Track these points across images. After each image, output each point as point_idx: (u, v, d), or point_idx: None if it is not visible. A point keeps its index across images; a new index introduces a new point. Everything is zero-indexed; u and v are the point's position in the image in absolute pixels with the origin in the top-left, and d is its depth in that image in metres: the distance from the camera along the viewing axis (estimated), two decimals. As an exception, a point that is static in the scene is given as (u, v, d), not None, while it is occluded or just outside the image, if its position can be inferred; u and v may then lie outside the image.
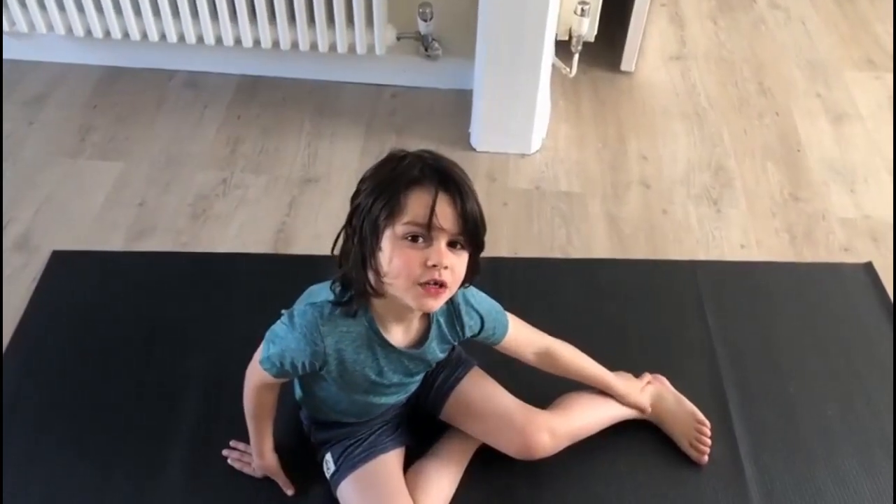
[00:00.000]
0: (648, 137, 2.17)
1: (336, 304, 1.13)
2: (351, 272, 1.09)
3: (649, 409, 1.46)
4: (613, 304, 1.71)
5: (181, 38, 2.17)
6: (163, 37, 2.17)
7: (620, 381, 1.46)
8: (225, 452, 1.42)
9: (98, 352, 1.59)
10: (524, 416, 1.34)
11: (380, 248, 1.05)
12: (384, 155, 1.10)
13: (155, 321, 1.65)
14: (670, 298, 1.74)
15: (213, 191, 1.96)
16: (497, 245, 1.84)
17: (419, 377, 1.31)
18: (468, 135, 2.11)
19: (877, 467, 1.45)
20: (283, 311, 1.18)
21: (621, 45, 2.34)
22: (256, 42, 2.16)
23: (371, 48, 2.14)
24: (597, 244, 1.86)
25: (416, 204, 1.02)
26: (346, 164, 2.05)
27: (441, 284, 1.05)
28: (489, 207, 1.91)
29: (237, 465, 1.40)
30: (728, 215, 1.94)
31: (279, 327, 1.16)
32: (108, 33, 2.18)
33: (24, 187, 1.95)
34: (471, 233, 1.06)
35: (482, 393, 1.38)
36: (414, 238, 1.03)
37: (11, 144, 2.07)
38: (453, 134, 2.13)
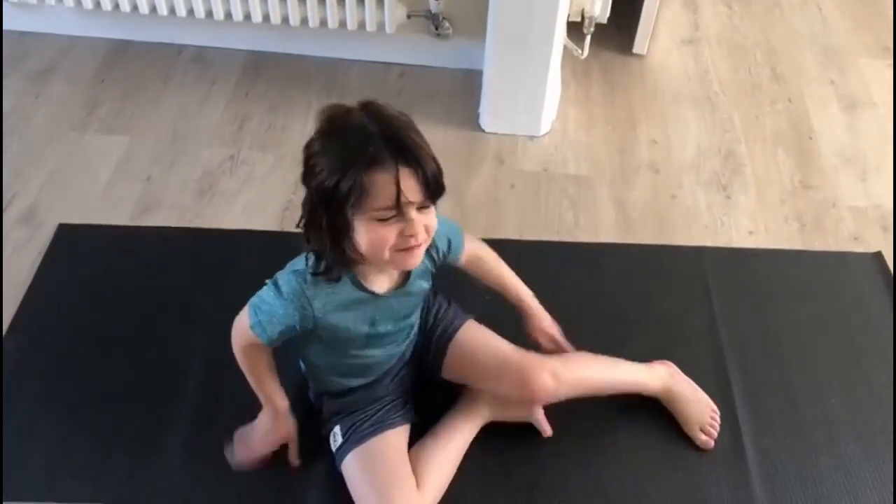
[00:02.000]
0: (659, 121, 2.15)
1: (315, 274, 1.14)
2: (324, 249, 1.11)
3: (655, 384, 1.46)
4: (619, 288, 1.71)
5: (190, 12, 2.16)
6: (172, 10, 2.16)
7: (535, 302, 1.45)
8: (227, 455, 1.38)
9: (101, 326, 1.59)
10: (526, 357, 1.36)
11: (352, 230, 1.07)
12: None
13: (159, 297, 1.65)
14: (676, 284, 1.73)
15: (219, 167, 1.95)
16: (503, 227, 1.83)
17: (412, 319, 1.32)
18: (477, 115, 2.10)
19: (879, 454, 1.44)
20: (266, 281, 1.19)
21: (634, 28, 2.31)
22: (266, 17, 2.14)
23: (381, 26, 2.12)
24: (604, 228, 1.85)
25: (380, 187, 1.03)
26: (353, 142, 2.03)
27: (418, 245, 1.09)
28: (496, 189, 1.92)
29: (240, 456, 1.36)
30: (737, 202, 1.93)
31: (266, 293, 1.17)
32: (117, 6, 2.17)
33: (31, 161, 1.94)
34: (435, 192, 1.07)
35: (482, 340, 1.40)
36: (385, 218, 1.05)
37: (18, 118, 2.06)
38: (461, 114, 2.12)
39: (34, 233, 1.77)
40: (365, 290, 1.18)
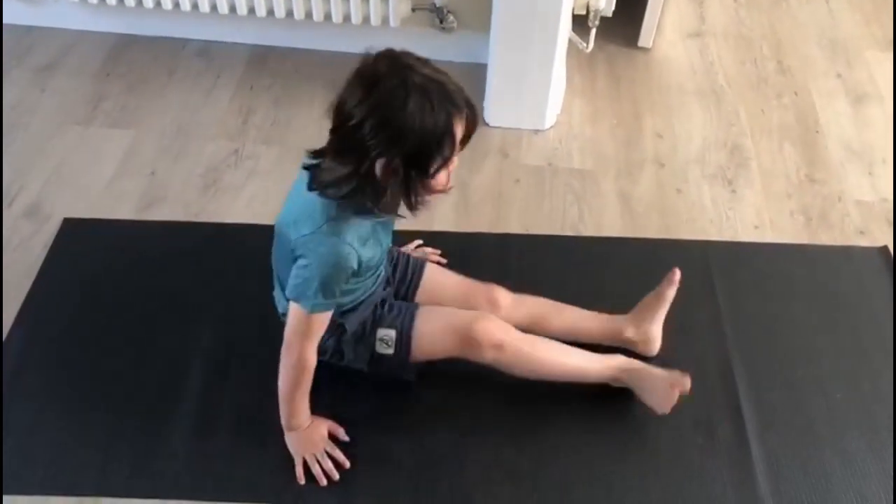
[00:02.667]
0: (664, 115, 2.14)
1: (347, 206, 1.20)
2: (382, 196, 1.18)
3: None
4: (623, 283, 1.70)
5: (195, 6, 2.15)
6: (176, 5, 2.16)
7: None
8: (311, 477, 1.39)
9: (106, 320, 1.60)
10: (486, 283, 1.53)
11: (429, 175, 1.16)
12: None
13: (163, 291, 1.65)
14: (681, 278, 1.72)
15: (223, 161, 1.95)
16: (507, 222, 1.83)
17: (389, 241, 1.41)
18: (481, 109, 2.09)
19: (884, 449, 1.44)
20: (300, 261, 1.23)
21: (639, 21, 2.30)
22: (270, 11, 2.14)
23: (385, 20, 2.11)
24: (609, 222, 1.85)
25: (458, 134, 1.15)
26: (357, 136, 2.03)
27: None
28: (501, 184, 1.92)
29: (320, 461, 1.38)
30: (743, 196, 1.92)
31: (305, 271, 1.22)
32: (122, 0, 2.17)
33: (36, 155, 1.95)
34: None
35: (445, 273, 1.56)
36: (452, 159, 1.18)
37: (23, 112, 2.06)
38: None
39: (39, 227, 1.77)
40: (379, 218, 1.26)
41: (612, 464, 1.41)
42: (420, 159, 1.14)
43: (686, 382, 1.39)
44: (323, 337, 1.33)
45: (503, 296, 1.51)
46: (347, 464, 1.38)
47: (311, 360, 1.31)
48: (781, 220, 1.87)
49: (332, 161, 1.18)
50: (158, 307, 1.62)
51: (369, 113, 1.10)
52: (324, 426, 1.41)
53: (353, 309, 1.39)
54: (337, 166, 1.17)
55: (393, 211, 1.24)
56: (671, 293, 1.51)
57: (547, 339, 1.46)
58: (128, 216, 1.81)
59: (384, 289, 1.46)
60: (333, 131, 1.17)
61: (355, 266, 1.23)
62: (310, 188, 1.23)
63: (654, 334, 1.52)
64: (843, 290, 1.71)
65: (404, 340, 1.40)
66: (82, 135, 2.00)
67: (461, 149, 1.19)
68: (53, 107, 2.08)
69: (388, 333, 1.40)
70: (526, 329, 1.46)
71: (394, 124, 1.10)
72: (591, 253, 1.77)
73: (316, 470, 1.37)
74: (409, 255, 1.56)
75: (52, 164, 1.92)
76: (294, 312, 1.26)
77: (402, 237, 1.63)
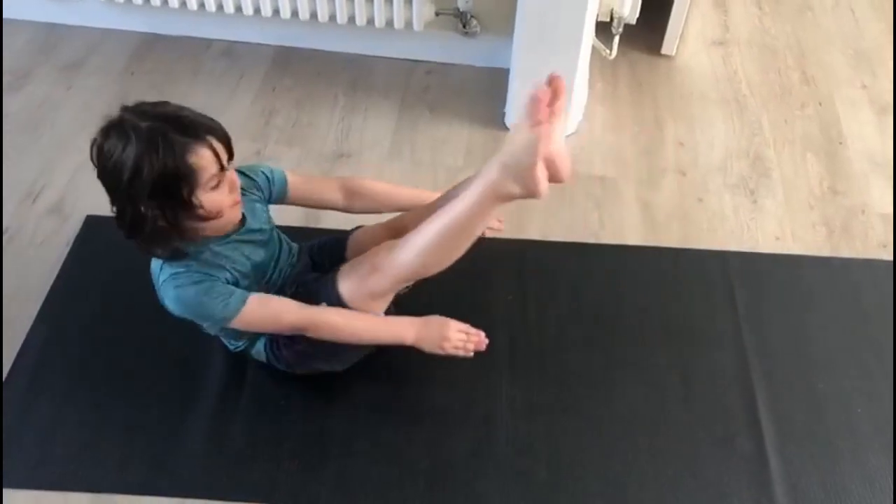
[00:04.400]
0: (686, 123, 2.13)
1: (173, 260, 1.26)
2: (166, 240, 1.22)
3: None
4: (642, 291, 1.70)
5: (219, 6, 2.17)
6: (202, 4, 2.18)
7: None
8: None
9: (126, 318, 1.61)
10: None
11: (195, 208, 1.18)
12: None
13: (184, 290, 1.66)
14: (701, 288, 1.71)
15: (246, 162, 1.95)
16: (527, 228, 1.83)
17: (270, 227, 1.43)
18: (503, 114, 2.09)
19: (905, 468, 1.43)
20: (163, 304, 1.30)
21: (663, 29, 2.29)
22: (294, 13, 2.15)
23: (409, 23, 2.12)
24: (629, 230, 1.84)
25: (203, 161, 1.17)
26: (378, 140, 2.04)
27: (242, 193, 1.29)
28: (521, 189, 1.91)
29: (464, 347, 1.38)
30: (764, 206, 1.91)
31: (195, 309, 1.27)
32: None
33: (60, 152, 1.96)
34: (231, 148, 1.23)
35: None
36: (216, 184, 1.20)
37: (48, 109, 2.08)
38: (487, 112, 2.11)
39: (62, 224, 1.79)
40: (217, 247, 1.29)
41: (627, 475, 1.40)
42: (167, 196, 1.16)
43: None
44: (252, 344, 1.42)
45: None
46: (482, 335, 1.38)
47: (317, 317, 1.31)
48: (803, 231, 1.85)
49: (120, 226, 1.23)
50: (178, 306, 1.63)
51: (102, 175, 1.18)
52: (435, 322, 1.38)
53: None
54: (126, 227, 1.21)
55: (203, 235, 1.26)
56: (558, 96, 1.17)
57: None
58: (150, 215, 1.82)
59: (303, 274, 1.46)
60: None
61: (224, 278, 1.27)
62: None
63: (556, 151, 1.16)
64: (865, 304, 1.70)
65: (338, 306, 1.34)
66: (106, 133, 2.02)
67: (226, 167, 1.21)
68: (78, 104, 2.10)
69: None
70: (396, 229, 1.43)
71: (121, 176, 1.15)
72: (610, 261, 1.77)
73: (461, 354, 1.37)
74: (335, 236, 1.55)
75: (77, 161, 1.94)
76: (248, 322, 1.29)
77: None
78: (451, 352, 1.37)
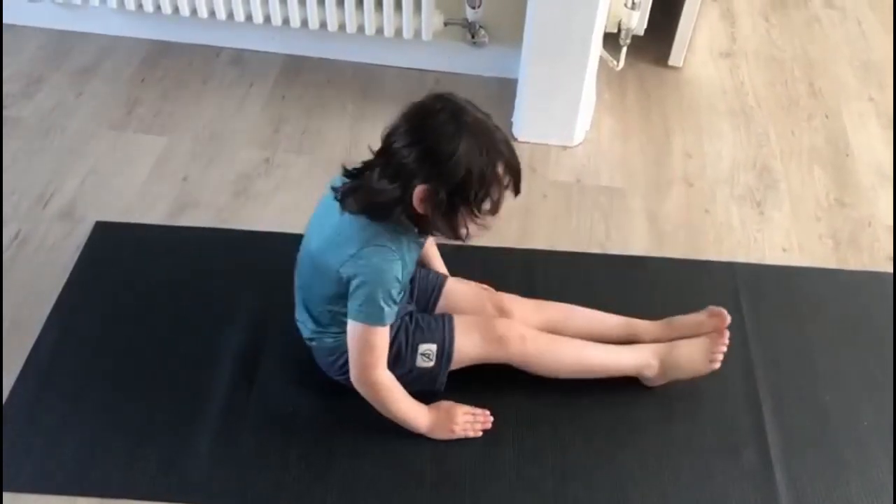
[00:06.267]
0: (693, 134, 2.14)
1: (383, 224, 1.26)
2: (418, 219, 1.25)
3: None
4: (648, 302, 1.69)
5: (230, 15, 2.18)
6: (212, 13, 2.19)
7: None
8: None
9: (135, 322, 1.62)
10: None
11: (462, 213, 1.23)
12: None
13: (193, 295, 1.67)
14: (707, 299, 1.69)
15: (255, 169, 1.98)
16: (533, 237, 1.84)
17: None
18: (510, 124, 2.10)
19: (912, 482, 1.42)
20: (355, 281, 1.27)
21: (670, 40, 2.31)
22: (304, 22, 2.16)
23: (418, 33, 2.13)
24: (635, 241, 1.85)
25: (503, 178, 1.23)
26: (387, 148, 2.05)
27: None
28: (528, 199, 1.92)
29: (472, 429, 1.45)
30: (771, 217, 1.91)
31: (365, 289, 1.26)
32: (158, 7, 2.20)
33: (71, 158, 1.98)
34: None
35: (460, 284, 1.58)
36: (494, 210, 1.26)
37: (59, 115, 2.10)
38: (495, 122, 2.11)
39: (72, 229, 1.80)
40: (411, 237, 1.31)
41: (633, 486, 1.40)
42: (465, 193, 1.20)
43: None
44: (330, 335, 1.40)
45: (508, 300, 1.55)
46: (489, 417, 1.46)
47: (386, 377, 1.35)
48: (810, 243, 1.86)
49: (376, 183, 1.22)
50: (187, 311, 1.64)
51: (418, 141, 1.19)
52: (444, 408, 1.44)
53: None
54: (379, 188, 1.21)
55: (428, 232, 1.31)
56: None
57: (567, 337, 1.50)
58: (159, 220, 1.83)
59: (409, 303, 1.49)
60: (380, 153, 1.24)
61: (401, 276, 1.28)
62: (344, 209, 1.27)
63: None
64: (872, 317, 1.70)
65: (446, 352, 1.42)
66: (117, 139, 2.03)
67: (514, 195, 1.26)
68: (89, 111, 2.12)
69: (429, 348, 1.42)
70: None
71: (440, 155, 1.18)
72: (616, 271, 1.77)
73: (470, 435, 1.44)
74: (428, 270, 1.57)
75: (87, 167, 1.95)
76: (357, 336, 1.30)
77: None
78: (461, 434, 1.43)
